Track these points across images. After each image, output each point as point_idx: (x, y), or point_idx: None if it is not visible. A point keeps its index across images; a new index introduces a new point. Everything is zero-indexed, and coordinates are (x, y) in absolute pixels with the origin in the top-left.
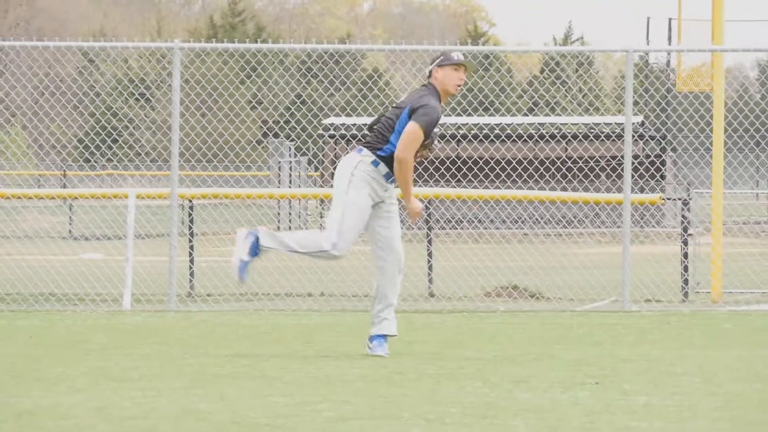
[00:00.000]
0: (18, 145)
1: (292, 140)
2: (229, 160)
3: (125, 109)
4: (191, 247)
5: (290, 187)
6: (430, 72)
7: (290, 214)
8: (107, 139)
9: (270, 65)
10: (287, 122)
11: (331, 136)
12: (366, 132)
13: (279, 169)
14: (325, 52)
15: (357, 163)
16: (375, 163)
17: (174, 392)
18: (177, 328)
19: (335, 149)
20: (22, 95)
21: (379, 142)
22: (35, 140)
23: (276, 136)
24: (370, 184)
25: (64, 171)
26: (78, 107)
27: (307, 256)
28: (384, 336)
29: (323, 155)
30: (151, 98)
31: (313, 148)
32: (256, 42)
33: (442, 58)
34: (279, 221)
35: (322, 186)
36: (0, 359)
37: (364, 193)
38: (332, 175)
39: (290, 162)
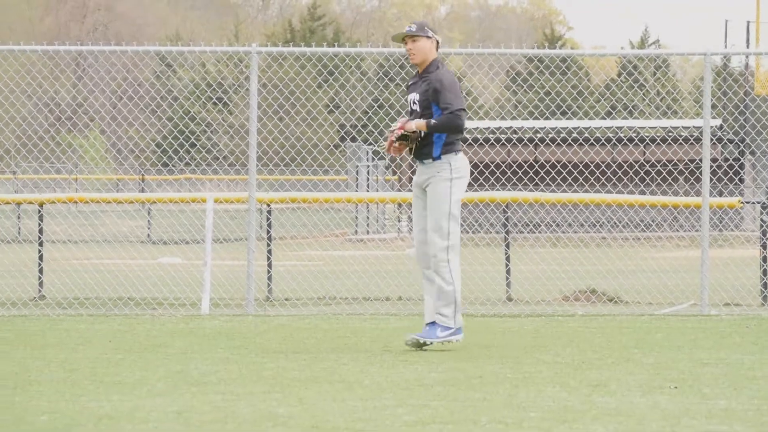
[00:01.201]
0: (96, 149)
1: (370, 144)
2: (306, 164)
3: (203, 113)
4: (269, 251)
5: (368, 190)
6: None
7: (368, 218)
8: (185, 143)
9: (347, 69)
10: (365, 126)
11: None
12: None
13: (356, 173)
14: (402, 56)
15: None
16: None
17: (253, 396)
18: (255, 332)
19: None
20: (100, 100)
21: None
22: (114, 144)
23: (353, 140)
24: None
25: (143, 175)
26: (156, 111)
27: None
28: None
29: (400, 159)
30: (228, 102)
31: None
32: (334, 46)
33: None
34: (357, 225)
35: (399, 190)
36: (80, 363)
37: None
38: (410, 179)
39: (368, 166)
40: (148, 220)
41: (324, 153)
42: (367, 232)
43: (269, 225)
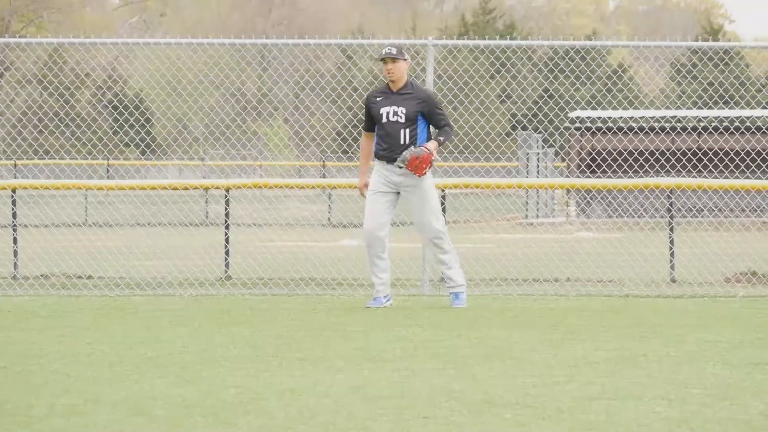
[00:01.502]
0: (280, 137)
1: (540, 132)
2: (479, 152)
3: None
4: None
5: (537, 177)
6: None
7: (537, 203)
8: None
9: (519, 61)
10: (535, 115)
11: (577, 129)
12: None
13: (527, 160)
14: (572, 48)
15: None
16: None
17: (427, 372)
18: (430, 311)
19: (581, 141)
20: (284, 90)
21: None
22: (296, 133)
23: (524, 128)
24: None
25: (324, 162)
26: (336, 101)
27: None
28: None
29: (569, 147)
30: None
31: (559, 140)
32: (505, 39)
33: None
34: (527, 210)
35: (568, 176)
36: (264, 341)
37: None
38: (578, 165)
39: (538, 153)
40: (329, 205)
41: (496, 141)
42: (537, 216)
43: (444, 209)
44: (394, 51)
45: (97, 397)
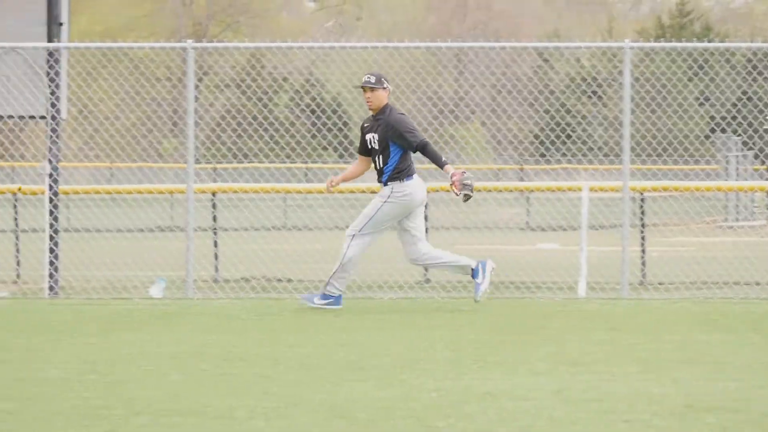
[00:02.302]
0: (477, 140)
1: (739, 135)
2: (678, 154)
3: (578, 105)
4: (643, 238)
5: (737, 180)
6: None
7: (737, 206)
8: (561, 134)
9: (716, 63)
10: (734, 118)
11: None
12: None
13: (726, 162)
14: None
15: (396, 185)
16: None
17: (627, 376)
18: (629, 314)
19: None
20: (480, 93)
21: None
22: (493, 136)
23: (723, 131)
24: None
25: (521, 165)
26: (533, 105)
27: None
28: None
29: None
30: (602, 95)
31: (759, 143)
32: (703, 41)
33: None
34: (727, 213)
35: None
36: (464, 344)
37: None
38: None
39: (737, 156)
40: (527, 208)
41: (695, 144)
42: (737, 219)
43: (642, 212)
44: (372, 80)
45: (298, 400)
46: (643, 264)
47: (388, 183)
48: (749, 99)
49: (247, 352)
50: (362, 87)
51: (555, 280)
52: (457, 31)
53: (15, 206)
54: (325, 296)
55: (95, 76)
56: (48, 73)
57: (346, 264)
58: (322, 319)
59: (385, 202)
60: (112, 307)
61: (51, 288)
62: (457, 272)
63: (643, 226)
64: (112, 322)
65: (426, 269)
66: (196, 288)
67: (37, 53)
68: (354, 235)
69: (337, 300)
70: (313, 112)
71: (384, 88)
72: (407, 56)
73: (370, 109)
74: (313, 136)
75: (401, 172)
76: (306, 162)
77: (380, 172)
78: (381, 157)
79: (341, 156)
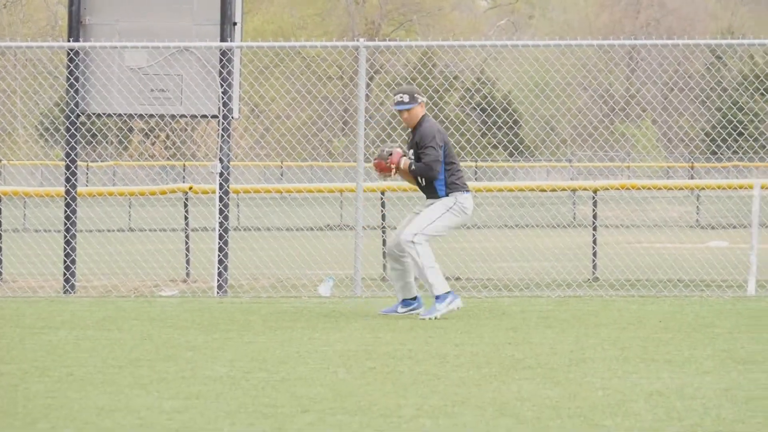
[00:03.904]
0: (648, 138)
1: None
2: None
3: (750, 103)
4: None
5: None
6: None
7: None
8: (733, 132)
9: None
10: None
11: None
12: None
13: None
14: None
15: (457, 196)
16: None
17: None
18: None
19: None
20: (652, 91)
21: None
22: (664, 134)
23: None
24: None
25: (692, 163)
26: (705, 102)
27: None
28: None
29: None
30: None
31: None
32: None
33: None
34: None
35: None
36: (631, 342)
37: None
38: None
39: None
40: (697, 206)
41: None
42: None
43: None
44: (406, 99)
45: (465, 398)
46: None
47: (450, 194)
48: None
49: (415, 349)
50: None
51: (724, 278)
52: (630, 28)
53: (186, 205)
54: (440, 298)
55: (267, 75)
56: (221, 73)
57: (427, 261)
58: (490, 316)
59: (449, 209)
60: (280, 305)
61: (220, 287)
62: (408, 278)
63: None
64: (280, 321)
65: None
66: (364, 286)
67: (210, 52)
68: (413, 241)
69: (452, 294)
70: (483, 110)
71: (419, 104)
72: (579, 54)
73: (408, 126)
74: (483, 135)
75: (456, 185)
76: (476, 160)
77: (427, 188)
78: None
79: (511, 154)
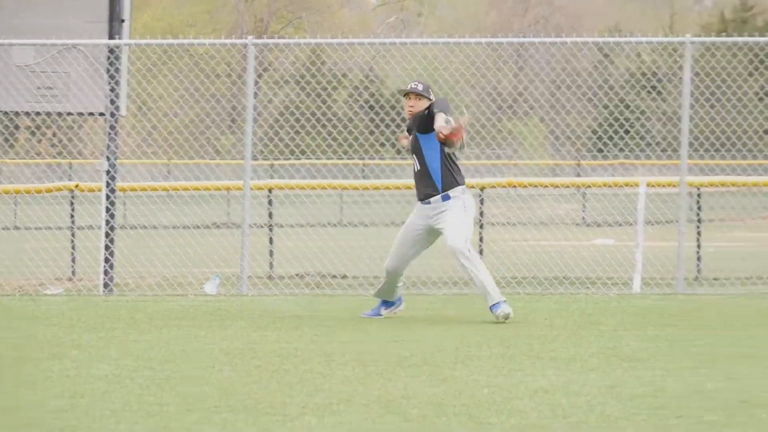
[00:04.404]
0: (535, 136)
1: None
2: (736, 150)
3: (637, 101)
4: (699, 233)
5: None
6: None
7: None
8: (619, 130)
9: None
10: None
11: None
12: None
13: None
14: None
15: (463, 194)
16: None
17: (681, 372)
18: (684, 310)
19: None
20: (540, 89)
21: (447, 183)
22: (551, 131)
23: None
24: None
25: (579, 161)
26: (592, 100)
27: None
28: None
29: None
30: (662, 90)
31: None
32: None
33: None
34: None
35: None
36: (517, 340)
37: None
38: None
39: None
40: (583, 204)
41: (753, 138)
42: None
43: (699, 207)
44: (420, 87)
45: (351, 396)
46: (699, 259)
47: (453, 191)
48: None
49: (300, 348)
50: (407, 94)
51: (610, 275)
52: (518, 26)
53: (72, 203)
54: (494, 306)
55: (155, 73)
56: (108, 70)
57: (481, 267)
58: None
59: (465, 210)
60: (166, 303)
61: (106, 285)
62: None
63: (699, 221)
64: (166, 319)
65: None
66: (251, 284)
67: (98, 50)
68: (468, 250)
69: (502, 304)
70: (371, 108)
71: (429, 99)
72: (468, 52)
73: (408, 117)
74: (371, 133)
75: (456, 182)
76: (363, 158)
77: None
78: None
79: (399, 152)
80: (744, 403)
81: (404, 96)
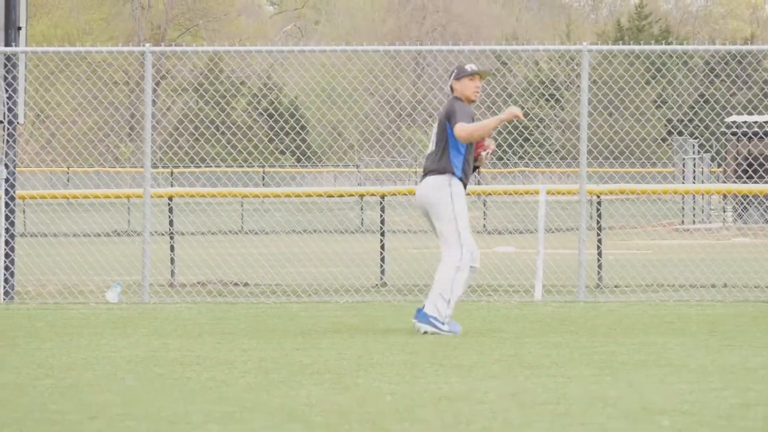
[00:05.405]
0: None
1: (696, 138)
2: (635, 157)
3: (536, 109)
4: (599, 241)
5: (694, 182)
6: (451, 87)
7: (694, 208)
8: (519, 138)
9: (674, 66)
10: (691, 120)
11: (734, 134)
12: (428, 159)
13: (683, 165)
14: (728, 53)
15: (450, 180)
16: (463, 185)
17: (583, 379)
18: (586, 317)
19: (737, 146)
20: (438, 97)
21: (446, 167)
22: None
23: (680, 134)
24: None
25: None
26: (491, 108)
27: (459, 288)
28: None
29: (726, 152)
30: (560, 98)
31: (716, 145)
32: (661, 44)
33: (456, 71)
34: (683, 215)
35: (724, 181)
36: (419, 347)
37: (464, 201)
38: (734, 170)
39: (694, 159)
40: (484, 211)
41: (651, 146)
42: (693, 222)
43: (599, 215)
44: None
45: (254, 404)
46: (600, 267)
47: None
48: (706, 102)
49: (203, 356)
50: (480, 73)
51: (511, 283)
52: (416, 33)
53: None
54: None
55: (53, 81)
56: (5, 78)
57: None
58: (278, 322)
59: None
60: (67, 311)
61: (6, 293)
62: None
63: (599, 229)
64: (67, 327)
65: (383, 273)
66: (152, 292)
67: None
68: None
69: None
70: (270, 116)
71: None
72: (366, 60)
73: (474, 100)
74: (271, 140)
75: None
76: (263, 166)
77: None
78: None
79: (298, 160)
80: (644, 410)
81: (470, 79)
